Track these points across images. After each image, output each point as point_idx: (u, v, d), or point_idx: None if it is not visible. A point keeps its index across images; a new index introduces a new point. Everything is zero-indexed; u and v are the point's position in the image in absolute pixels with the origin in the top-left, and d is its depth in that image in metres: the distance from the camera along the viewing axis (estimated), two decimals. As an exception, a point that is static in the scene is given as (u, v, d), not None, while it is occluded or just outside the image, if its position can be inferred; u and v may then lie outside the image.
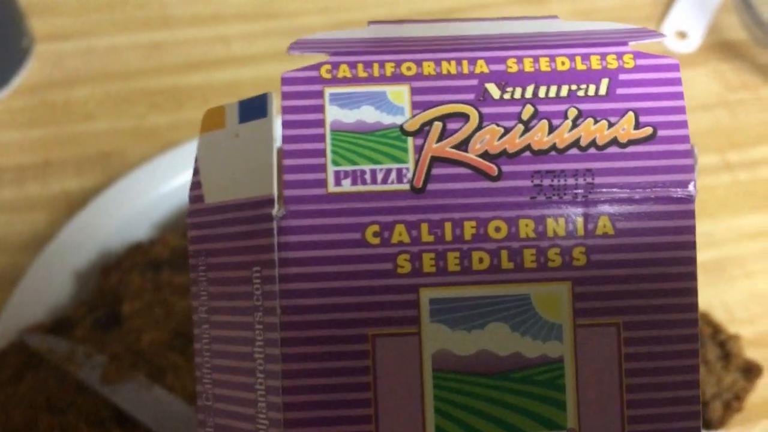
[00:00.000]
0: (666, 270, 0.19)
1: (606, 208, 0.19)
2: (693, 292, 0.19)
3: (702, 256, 0.43)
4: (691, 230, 0.19)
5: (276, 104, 0.19)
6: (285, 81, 0.18)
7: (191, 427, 0.31)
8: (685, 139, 0.19)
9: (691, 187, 0.19)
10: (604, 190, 0.19)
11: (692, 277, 0.19)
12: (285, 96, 0.18)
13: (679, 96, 0.19)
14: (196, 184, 0.20)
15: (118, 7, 0.49)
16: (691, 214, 0.19)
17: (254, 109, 0.19)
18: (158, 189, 0.40)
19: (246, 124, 0.19)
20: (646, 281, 0.19)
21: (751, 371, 0.35)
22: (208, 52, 0.48)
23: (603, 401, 0.18)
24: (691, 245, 0.19)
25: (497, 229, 0.18)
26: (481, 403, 0.18)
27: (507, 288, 0.18)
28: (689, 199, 0.19)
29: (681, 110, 0.19)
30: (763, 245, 0.44)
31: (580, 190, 0.18)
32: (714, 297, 0.42)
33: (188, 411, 0.32)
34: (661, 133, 0.19)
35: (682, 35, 0.51)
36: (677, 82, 0.19)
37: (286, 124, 0.18)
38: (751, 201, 0.46)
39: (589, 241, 0.18)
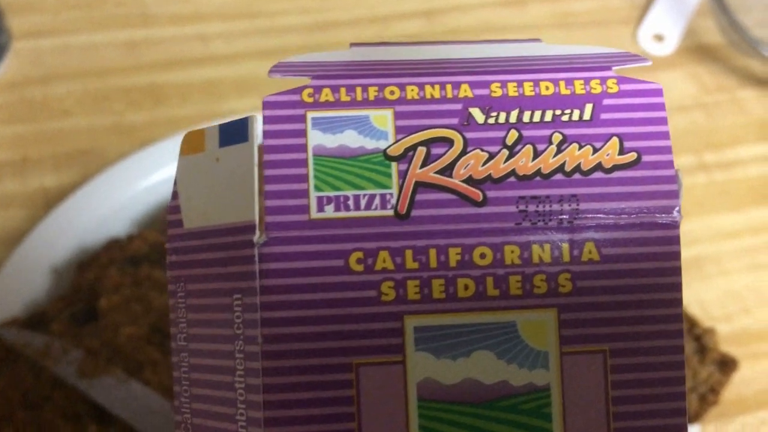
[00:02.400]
0: (652, 296, 0.19)
1: (591, 234, 0.18)
2: (679, 318, 0.19)
3: (678, 255, 0.44)
4: (677, 256, 0.19)
5: (257, 128, 0.19)
6: (266, 105, 0.18)
7: (168, 421, 0.31)
8: (669, 164, 0.19)
9: (675, 212, 0.19)
10: (589, 215, 0.18)
11: (678, 303, 0.19)
12: (267, 120, 0.18)
13: (663, 121, 0.19)
14: (174, 209, 0.19)
15: (97, 5, 0.49)
16: (676, 240, 0.19)
17: (235, 133, 0.18)
18: (136, 185, 0.40)
19: (227, 149, 0.19)
20: (633, 308, 0.18)
21: (726, 364, 0.35)
22: (187, 50, 0.47)
23: (590, 430, 0.18)
24: (677, 271, 0.19)
25: (482, 256, 0.18)
26: None
27: (493, 315, 0.18)
28: (674, 225, 0.19)
29: (665, 135, 0.19)
30: (738, 244, 0.45)
31: (565, 216, 0.18)
32: (690, 295, 0.42)
33: (165, 405, 0.32)
34: (645, 158, 0.19)
35: (659, 38, 0.51)
36: (661, 107, 0.19)
37: (267, 149, 0.18)
38: (726, 201, 0.46)
39: (574, 267, 0.18)
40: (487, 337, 0.18)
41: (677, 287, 0.19)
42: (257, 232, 0.18)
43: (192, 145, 0.19)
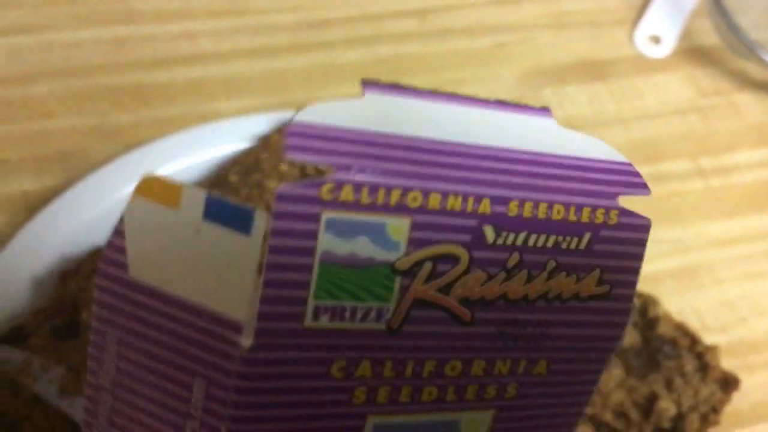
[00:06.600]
0: (568, 410, 0.21)
1: (549, 353, 0.20)
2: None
3: (673, 262, 0.43)
4: (596, 382, 0.21)
5: (264, 224, 0.17)
6: (281, 198, 0.16)
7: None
8: (630, 298, 0.20)
9: (616, 344, 0.21)
10: (554, 340, 0.20)
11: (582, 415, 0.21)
12: (278, 216, 0.16)
13: (641, 257, 0.20)
14: (116, 248, 0.18)
15: (80, 1, 0.47)
16: (602, 368, 0.21)
17: (230, 216, 0.17)
18: (121, 190, 0.38)
19: (215, 226, 0.17)
20: (558, 408, 0.21)
21: (728, 383, 0.35)
22: (173, 48, 0.46)
23: None
24: (589, 394, 0.21)
25: (453, 368, 0.19)
26: None
27: (444, 415, 0.19)
28: (610, 353, 0.21)
29: (637, 271, 0.20)
30: (733, 252, 0.44)
31: (534, 338, 0.19)
32: (685, 304, 0.42)
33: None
34: (614, 291, 0.20)
35: (655, 40, 0.50)
36: (644, 243, 0.20)
37: (272, 249, 0.16)
38: (722, 207, 0.46)
39: (524, 378, 0.20)
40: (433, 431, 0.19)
41: (585, 403, 0.21)
42: (244, 335, 0.17)
43: (159, 193, 0.18)
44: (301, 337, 0.17)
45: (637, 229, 0.20)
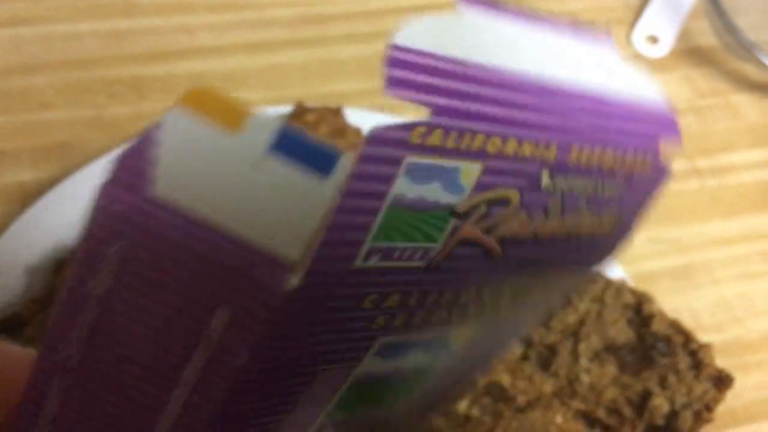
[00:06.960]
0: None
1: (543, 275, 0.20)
2: None
3: (670, 262, 0.43)
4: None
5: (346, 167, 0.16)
6: (373, 141, 0.15)
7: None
8: (627, 231, 0.20)
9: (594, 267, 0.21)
10: (555, 265, 0.20)
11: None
12: (363, 159, 0.15)
13: (650, 201, 0.20)
14: (143, 159, 0.15)
15: (80, -7, 0.47)
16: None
17: (306, 154, 0.16)
18: (117, 182, 0.38)
19: (281, 161, 0.16)
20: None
21: (722, 381, 0.35)
22: (172, 42, 0.46)
23: None
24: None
25: (468, 295, 0.19)
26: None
27: (440, 331, 0.20)
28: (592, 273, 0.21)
29: (641, 216, 0.20)
30: (729, 252, 0.44)
31: (540, 264, 0.20)
32: (681, 303, 0.42)
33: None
34: (618, 231, 0.20)
35: (653, 40, 0.50)
36: (659, 189, 0.20)
37: (349, 193, 0.15)
38: (718, 207, 0.46)
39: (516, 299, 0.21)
40: (427, 347, 0.20)
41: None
42: (290, 273, 0.16)
43: (218, 112, 0.15)
44: (348, 277, 0.16)
45: (659, 177, 0.20)
